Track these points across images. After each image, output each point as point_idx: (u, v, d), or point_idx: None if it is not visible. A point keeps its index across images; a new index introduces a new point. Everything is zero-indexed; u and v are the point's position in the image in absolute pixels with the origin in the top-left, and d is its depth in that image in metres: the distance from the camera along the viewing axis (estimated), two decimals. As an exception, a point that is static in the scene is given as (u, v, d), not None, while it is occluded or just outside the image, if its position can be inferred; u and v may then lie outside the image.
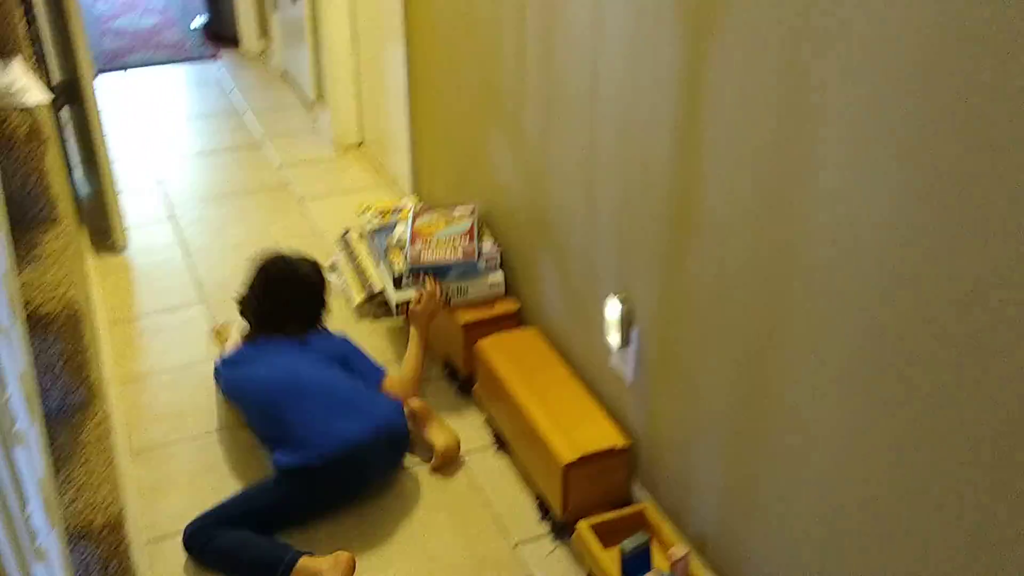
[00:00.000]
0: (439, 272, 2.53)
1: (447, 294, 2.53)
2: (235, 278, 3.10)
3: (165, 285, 3.11)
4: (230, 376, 2.42)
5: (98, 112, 3.10)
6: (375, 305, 2.92)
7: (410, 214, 2.69)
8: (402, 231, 2.65)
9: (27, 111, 1.56)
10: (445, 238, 2.57)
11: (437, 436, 2.38)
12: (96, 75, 3.08)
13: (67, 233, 1.63)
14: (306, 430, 2.18)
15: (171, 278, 3.15)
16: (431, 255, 2.53)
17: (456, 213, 2.69)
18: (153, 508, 2.26)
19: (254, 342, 2.46)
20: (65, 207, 2.11)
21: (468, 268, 2.55)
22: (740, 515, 1.81)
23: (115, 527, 1.37)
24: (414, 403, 2.43)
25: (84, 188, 3.58)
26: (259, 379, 2.32)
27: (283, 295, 2.46)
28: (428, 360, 2.59)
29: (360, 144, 4.08)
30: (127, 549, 1.42)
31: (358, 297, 2.91)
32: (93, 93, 3.07)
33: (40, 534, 1.16)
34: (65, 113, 3.52)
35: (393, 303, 2.58)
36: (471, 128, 2.74)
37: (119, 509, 1.38)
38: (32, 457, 1.19)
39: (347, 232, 3.07)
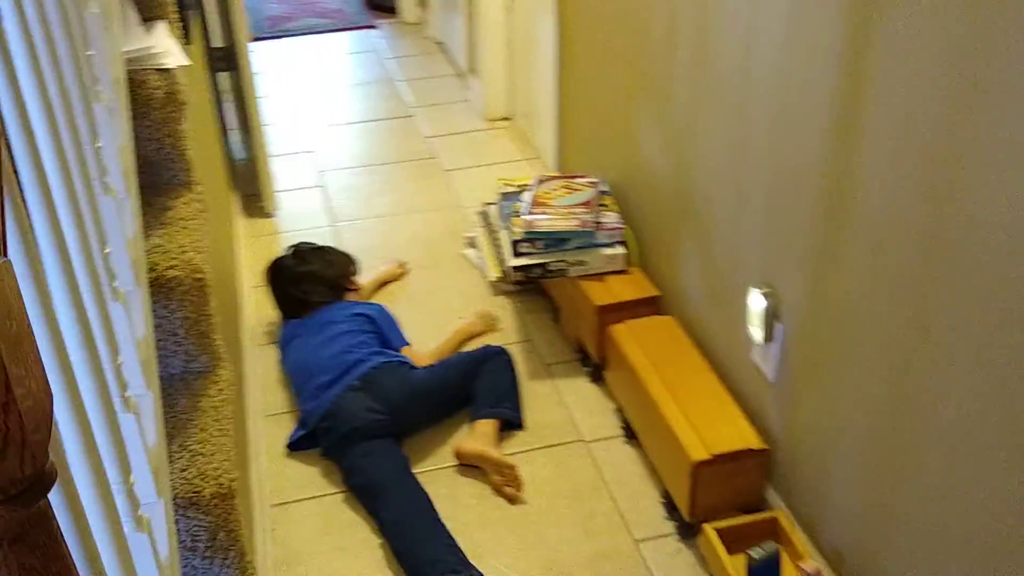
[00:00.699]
0: (555, 240, 2.46)
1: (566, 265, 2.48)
2: (378, 246, 3.12)
3: (309, 251, 3.15)
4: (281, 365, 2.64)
5: (252, 78, 3.16)
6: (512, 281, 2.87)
7: (534, 181, 2.63)
8: (526, 197, 2.60)
9: (165, 74, 1.57)
10: (564, 207, 2.50)
11: (464, 440, 2.32)
12: (255, 41, 3.13)
13: (201, 198, 1.64)
14: (303, 407, 2.39)
15: (315, 245, 3.19)
16: (547, 222, 2.46)
17: (578, 183, 2.61)
18: (281, 472, 2.29)
19: (285, 327, 2.67)
20: (204, 172, 2.14)
21: (587, 239, 2.46)
22: (880, 532, 1.66)
23: (226, 497, 1.36)
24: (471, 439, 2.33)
25: (239, 153, 3.68)
26: (285, 368, 2.58)
27: (281, 289, 2.71)
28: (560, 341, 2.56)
29: (510, 117, 4.03)
30: (237, 519, 1.41)
31: (494, 272, 2.86)
32: (247, 59, 3.13)
33: (143, 503, 1.16)
34: (224, 79, 3.61)
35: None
36: (618, 105, 2.64)
37: (231, 479, 1.38)
38: (141, 425, 1.19)
39: (487, 207, 3.03)
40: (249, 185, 3.46)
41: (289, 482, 2.26)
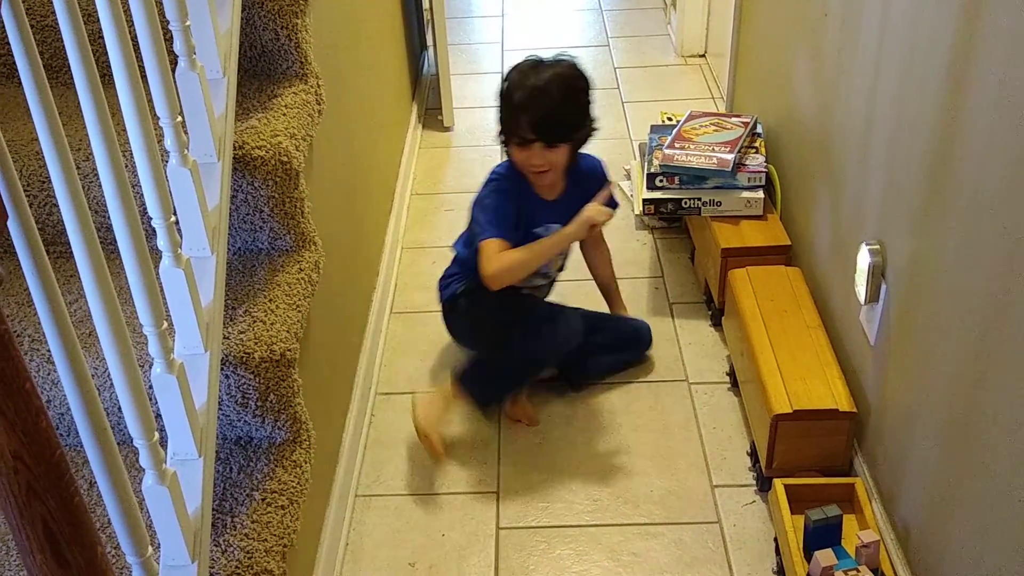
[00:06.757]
0: (693, 177, 2.41)
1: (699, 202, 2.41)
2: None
3: (474, 168, 3.24)
4: None
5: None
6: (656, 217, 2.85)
7: (685, 115, 2.57)
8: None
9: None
10: (707, 144, 2.43)
11: None
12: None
13: (311, 90, 1.74)
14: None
15: (482, 162, 3.27)
16: (685, 158, 2.40)
17: (730, 122, 2.53)
18: (393, 365, 2.42)
19: None
20: (377, 79, 2.24)
21: (726, 180, 2.39)
22: (942, 517, 1.56)
23: (275, 363, 1.47)
24: None
25: (430, 68, 3.81)
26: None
27: None
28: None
29: (704, 54, 3.92)
30: (290, 386, 1.52)
31: (640, 206, 2.84)
32: (438, -25, 3.23)
33: (175, 352, 1.28)
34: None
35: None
36: (780, 47, 2.52)
37: (284, 349, 1.48)
38: (192, 281, 1.31)
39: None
40: (431, 98, 3.59)
41: (400, 376, 2.39)
